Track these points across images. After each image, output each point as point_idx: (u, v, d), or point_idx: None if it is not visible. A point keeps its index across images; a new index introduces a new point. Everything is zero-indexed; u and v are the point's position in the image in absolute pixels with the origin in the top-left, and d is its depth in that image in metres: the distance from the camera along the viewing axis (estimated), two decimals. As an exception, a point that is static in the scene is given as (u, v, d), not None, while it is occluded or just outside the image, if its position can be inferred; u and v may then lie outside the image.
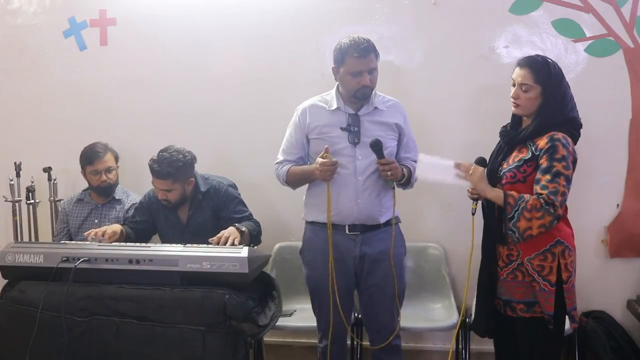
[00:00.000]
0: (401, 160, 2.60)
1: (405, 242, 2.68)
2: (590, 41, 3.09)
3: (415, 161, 2.63)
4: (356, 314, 2.86)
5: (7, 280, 2.57)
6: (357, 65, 2.43)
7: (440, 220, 3.24)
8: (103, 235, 2.68)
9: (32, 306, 2.41)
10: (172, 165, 2.78)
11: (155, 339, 2.36)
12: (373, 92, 2.54)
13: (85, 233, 2.77)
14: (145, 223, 2.99)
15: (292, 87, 3.29)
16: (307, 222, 2.64)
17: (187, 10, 3.42)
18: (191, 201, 2.91)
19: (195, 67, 3.43)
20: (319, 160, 2.42)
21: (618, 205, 3.12)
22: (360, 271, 2.56)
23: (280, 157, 2.67)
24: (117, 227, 2.79)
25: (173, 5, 3.44)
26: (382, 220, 2.53)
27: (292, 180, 2.61)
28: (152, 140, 3.44)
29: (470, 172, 2.23)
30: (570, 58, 3.10)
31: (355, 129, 2.49)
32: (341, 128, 2.50)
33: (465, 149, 3.05)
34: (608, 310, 3.12)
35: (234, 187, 2.99)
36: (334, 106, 2.55)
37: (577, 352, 2.92)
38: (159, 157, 2.81)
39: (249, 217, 2.88)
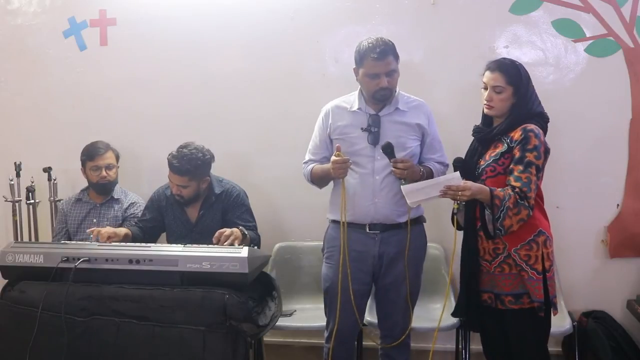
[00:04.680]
0: (424, 160, 2.60)
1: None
2: (590, 41, 3.09)
3: (440, 162, 2.63)
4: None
5: (7, 280, 2.57)
6: (374, 68, 2.45)
7: (440, 220, 3.24)
8: (98, 234, 2.67)
9: (32, 306, 2.41)
10: (190, 163, 2.78)
11: (155, 339, 2.36)
12: (397, 92, 2.56)
13: (88, 230, 2.77)
14: (155, 220, 2.99)
15: (292, 87, 3.29)
16: (330, 220, 2.66)
17: (187, 10, 3.42)
18: (203, 201, 2.91)
19: (196, 67, 3.43)
20: (332, 158, 2.45)
21: (618, 205, 3.12)
22: (378, 270, 2.57)
23: (307, 157, 2.71)
24: (120, 231, 2.77)
25: (173, 5, 3.44)
26: (401, 219, 2.53)
27: (316, 179, 2.65)
28: (152, 140, 3.47)
29: (460, 194, 2.24)
30: (570, 58, 3.10)
31: (375, 129, 2.50)
32: (361, 129, 2.52)
33: (465, 148, 3.06)
34: (608, 310, 3.11)
35: (246, 195, 2.98)
36: (356, 107, 2.57)
37: (577, 352, 2.92)
38: (179, 153, 2.81)
39: (252, 229, 2.87)
